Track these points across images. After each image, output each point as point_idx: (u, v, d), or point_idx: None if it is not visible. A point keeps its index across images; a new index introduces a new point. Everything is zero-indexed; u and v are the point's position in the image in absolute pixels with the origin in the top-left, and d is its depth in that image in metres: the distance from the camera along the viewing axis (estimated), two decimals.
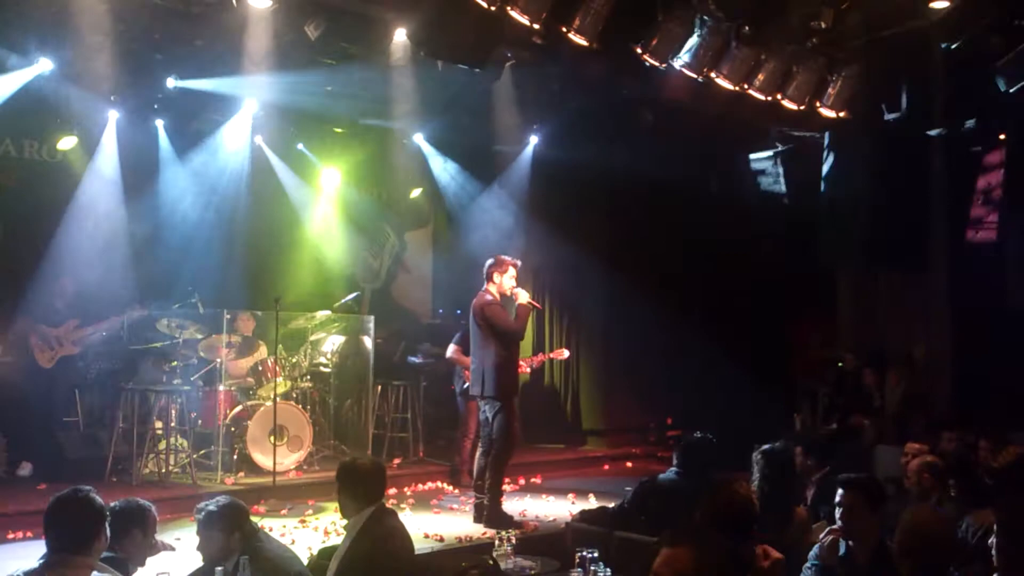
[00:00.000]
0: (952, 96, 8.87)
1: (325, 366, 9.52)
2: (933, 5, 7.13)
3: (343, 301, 9.87)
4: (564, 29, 6.93)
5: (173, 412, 8.47)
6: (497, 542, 4.73)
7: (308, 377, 9.34)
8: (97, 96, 8.88)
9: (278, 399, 8.42)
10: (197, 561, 4.20)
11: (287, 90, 9.02)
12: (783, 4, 7.28)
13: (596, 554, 4.07)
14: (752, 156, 10.30)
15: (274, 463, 8.12)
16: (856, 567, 4.08)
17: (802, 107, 8.04)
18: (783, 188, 10.05)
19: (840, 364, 10.56)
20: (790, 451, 5.69)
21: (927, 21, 7.25)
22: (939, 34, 7.68)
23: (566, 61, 7.47)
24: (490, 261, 7.26)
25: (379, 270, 12.33)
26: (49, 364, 8.23)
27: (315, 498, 7.92)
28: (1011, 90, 7.34)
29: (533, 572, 4.59)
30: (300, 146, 10.98)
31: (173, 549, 4.24)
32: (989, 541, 3.50)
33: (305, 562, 4.52)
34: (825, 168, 9.92)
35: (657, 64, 7.40)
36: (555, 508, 8.02)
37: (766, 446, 5.65)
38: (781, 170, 9.99)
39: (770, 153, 10.14)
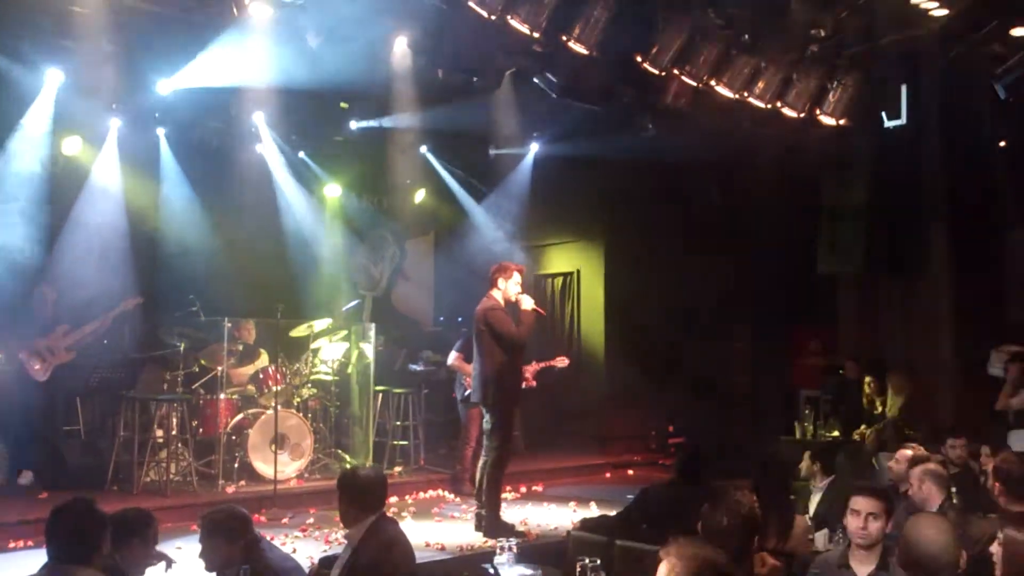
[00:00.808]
0: (951, 103, 8.89)
1: (326, 374, 9.52)
2: (933, 12, 7.14)
3: (344, 309, 9.88)
4: (564, 38, 6.95)
5: (174, 420, 8.46)
6: (498, 551, 4.72)
7: (309, 385, 9.33)
8: (98, 105, 8.89)
9: (279, 407, 8.41)
10: (199, 570, 4.20)
11: (288, 99, 9.04)
12: (782, 12, 7.30)
13: (598, 563, 4.07)
14: None
15: (275, 471, 8.12)
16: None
17: (802, 115, 8.05)
18: None
19: (841, 371, 10.56)
20: (790, 458, 5.69)
21: (926, 29, 7.26)
22: (938, 42, 7.69)
23: (566, 69, 7.49)
24: (495, 267, 7.23)
25: (380, 278, 12.34)
26: (45, 376, 8.17)
27: (316, 506, 7.92)
28: (1010, 99, 7.36)
29: None
30: (301, 154, 11.00)
31: (174, 562, 4.23)
32: (991, 548, 3.49)
33: (307, 571, 4.52)
34: None
35: (657, 72, 7.41)
36: (556, 516, 8.00)
37: (764, 455, 5.66)
38: None
39: None
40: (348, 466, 8.35)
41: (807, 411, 9.88)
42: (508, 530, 6.90)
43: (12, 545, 6.52)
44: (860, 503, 4.16)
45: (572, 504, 8.46)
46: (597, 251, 11.90)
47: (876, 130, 8.91)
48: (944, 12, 7.17)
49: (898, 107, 8.52)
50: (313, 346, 9.47)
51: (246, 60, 7.92)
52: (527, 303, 6.99)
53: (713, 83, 7.60)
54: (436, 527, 7.50)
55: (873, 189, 9.71)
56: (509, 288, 7.07)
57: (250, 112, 9.65)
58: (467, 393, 8.43)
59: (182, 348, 8.64)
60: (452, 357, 8.84)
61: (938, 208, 10.54)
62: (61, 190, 9.28)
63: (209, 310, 8.96)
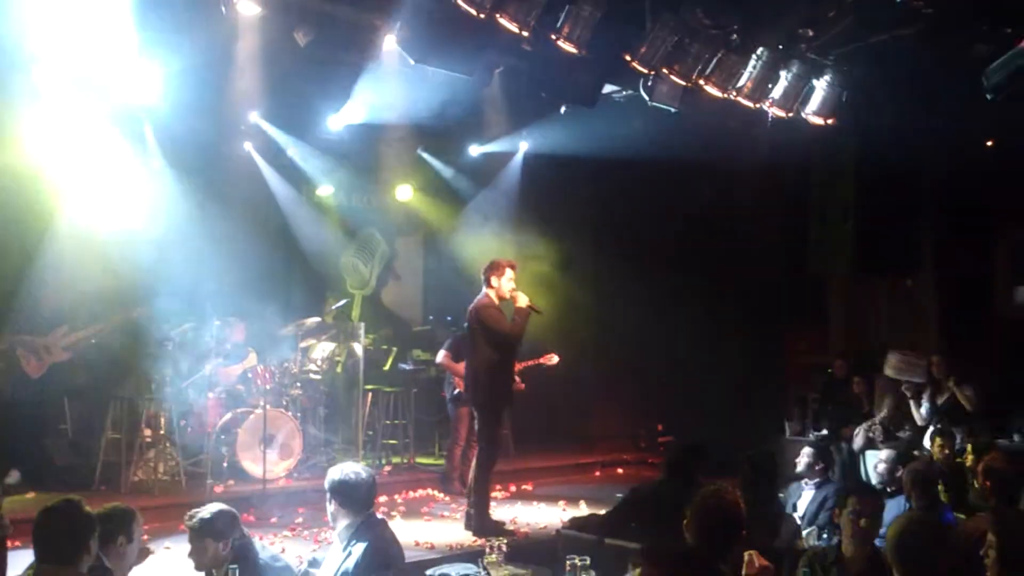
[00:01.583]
0: (938, 103, 8.92)
1: (315, 373, 9.50)
2: (920, 11, 7.15)
3: (333, 308, 9.85)
4: (553, 36, 6.95)
5: (162, 419, 8.43)
6: (488, 549, 4.72)
7: (298, 384, 9.31)
8: (87, 102, 8.85)
9: (268, 406, 8.39)
10: (187, 569, 4.19)
11: (278, 96, 9.02)
12: (770, 12, 7.32)
13: (587, 561, 4.08)
14: None
15: (264, 471, 8.10)
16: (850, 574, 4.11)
17: (790, 114, 8.07)
18: None
19: (830, 370, 10.60)
20: (779, 457, 5.72)
21: (914, 29, 7.28)
22: (926, 41, 7.71)
23: (555, 67, 7.49)
24: (487, 265, 7.21)
25: (369, 277, 12.32)
26: (38, 373, 8.16)
27: (305, 506, 7.90)
28: (997, 98, 7.38)
29: None
30: (290, 152, 10.97)
31: (151, 552, 4.21)
32: (981, 552, 3.51)
33: (296, 571, 4.51)
34: None
35: (646, 72, 7.42)
36: (546, 515, 8.01)
37: (753, 453, 5.68)
38: None
39: None
40: (337, 466, 8.33)
41: (796, 410, 9.92)
42: (497, 529, 6.90)
43: None
44: (850, 502, 4.19)
45: (561, 503, 8.48)
46: (587, 249, 11.90)
47: (863, 129, 8.95)
48: (931, 11, 7.19)
49: (885, 107, 8.55)
50: (302, 345, 9.45)
51: (234, 58, 7.92)
52: (522, 300, 6.96)
53: (702, 82, 7.61)
54: (426, 526, 7.50)
55: (861, 188, 9.74)
56: (503, 285, 7.04)
57: (239, 110, 9.62)
58: (456, 392, 8.43)
59: (171, 347, 8.60)
60: (441, 356, 8.84)
61: (926, 207, 10.59)
62: (49, 188, 9.23)
63: (198, 309, 8.92)
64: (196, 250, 9.86)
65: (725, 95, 7.74)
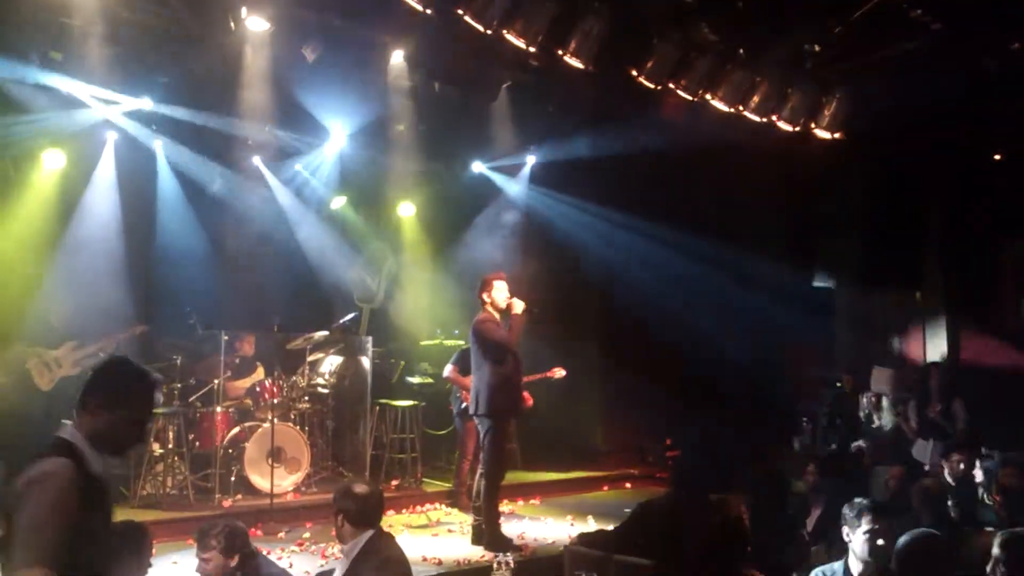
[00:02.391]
0: (945, 117, 8.93)
1: (323, 387, 9.50)
2: (917, 19, 7.15)
3: (341, 322, 9.86)
4: (560, 52, 6.99)
5: (171, 433, 8.44)
6: (495, 565, 4.71)
7: (306, 398, 9.31)
8: (95, 117, 8.92)
9: (276, 420, 8.40)
10: None
11: (286, 111, 9.07)
12: (777, 27, 7.34)
13: None
14: None
15: (272, 485, 8.10)
16: None
17: (797, 128, 8.09)
18: None
19: (839, 384, 10.56)
20: (787, 472, 5.70)
21: (920, 43, 7.30)
22: (932, 55, 7.72)
23: (562, 83, 7.53)
24: (477, 285, 7.23)
25: (377, 290, 12.33)
26: (49, 386, 8.18)
27: (313, 521, 7.89)
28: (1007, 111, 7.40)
29: None
30: (298, 166, 11.02)
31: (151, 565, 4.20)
32: (988, 568, 3.50)
33: None
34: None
35: (652, 86, 7.45)
36: (554, 530, 7.98)
37: (759, 469, 5.66)
38: None
39: None
40: (344, 481, 8.34)
41: (804, 425, 9.88)
42: (506, 544, 6.88)
43: None
44: (864, 520, 4.17)
45: (569, 518, 8.45)
46: (593, 263, 11.90)
47: (871, 143, 8.96)
48: (938, 26, 7.21)
49: (892, 120, 8.56)
50: (310, 359, 9.45)
51: (243, 73, 7.98)
52: (518, 307, 6.97)
53: (708, 97, 7.64)
54: (433, 541, 7.48)
55: (868, 202, 9.75)
56: (497, 298, 7.05)
57: (248, 125, 9.67)
58: (464, 406, 8.42)
59: (179, 361, 8.63)
60: (448, 370, 8.83)
61: (933, 220, 10.59)
62: (59, 201, 9.30)
63: (206, 323, 8.95)
64: (205, 264, 9.93)
65: (732, 109, 7.76)
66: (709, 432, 10.29)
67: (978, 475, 7.01)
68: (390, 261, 12.48)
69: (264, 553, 4.52)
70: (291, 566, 6.11)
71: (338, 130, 10.22)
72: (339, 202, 11.35)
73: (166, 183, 10.03)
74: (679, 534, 5.10)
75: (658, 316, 11.08)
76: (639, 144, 9.33)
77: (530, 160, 11.50)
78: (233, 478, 8.45)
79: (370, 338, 9.90)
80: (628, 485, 10.72)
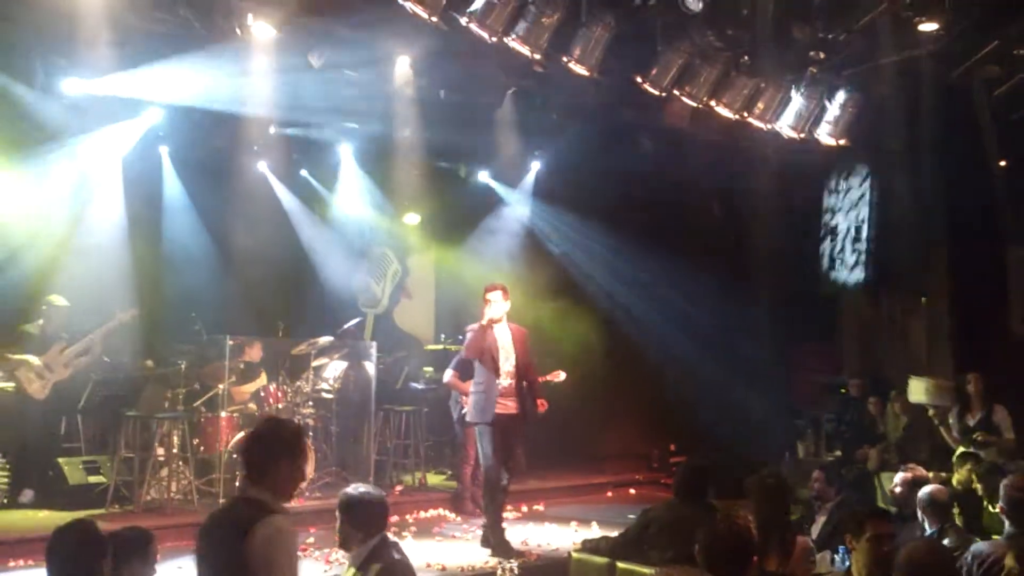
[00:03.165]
0: (951, 122, 8.93)
1: (327, 392, 9.50)
2: (922, 27, 7.14)
3: (346, 327, 9.87)
4: (564, 59, 7.00)
5: (175, 438, 8.45)
6: (499, 572, 4.71)
7: (310, 403, 9.32)
8: (102, 121, 8.95)
9: None
10: None
11: (291, 118, 9.09)
12: (782, 34, 7.35)
13: None
14: None
15: None
16: None
17: (802, 135, 8.10)
18: None
19: (844, 390, 10.54)
20: (792, 479, 5.68)
21: (925, 50, 7.31)
22: (937, 62, 7.74)
23: (567, 90, 7.54)
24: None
25: (381, 296, 12.35)
26: (43, 394, 8.11)
27: (317, 526, 7.88)
28: (1012, 117, 7.40)
29: None
30: (303, 172, 11.06)
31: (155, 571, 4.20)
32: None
33: None
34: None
35: (656, 93, 7.46)
36: (558, 536, 7.98)
37: (764, 473, 5.64)
38: None
39: None
40: (348, 487, 8.33)
41: (809, 430, 9.86)
42: (508, 550, 6.87)
43: (12, 564, 6.50)
44: (869, 527, 4.16)
45: (573, 524, 8.44)
46: (599, 268, 11.92)
47: (876, 148, 8.96)
48: (933, 26, 7.20)
49: (897, 127, 8.57)
50: (314, 364, 9.46)
51: (249, 79, 8.00)
52: (485, 317, 7.06)
53: (713, 104, 7.65)
54: (437, 547, 7.48)
55: (874, 207, 9.74)
56: (485, 311, 7.13)
57: (251, 130, 9.70)
58: (463, 411, 8.43)
59: (183, 366, 8.64)
60: (448, 375, 8.84)
61: (939, 226, 10.57)
62: (63, 206, 9.32)
63: (210, 328, 8.97)
64: (210, 270, 9.95)
65: (737, 116, 7.77)
66: (714, 437, 10.29)
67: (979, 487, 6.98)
68: (395, 266, 12.51)
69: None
70: None
71: (344, 137, 10.25)
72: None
73: (172, 188, 10.07)
74: (684, 541, 5.09)
75: (663, 321, 11.09)
76: (643, 149, 9.34)
77: (534, 166, 11.51)
78: (237, 483, 8.45)
79: (374, 343, 9.91)
80: (632, 491, 10.72)
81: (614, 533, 5.76)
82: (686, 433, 11.18)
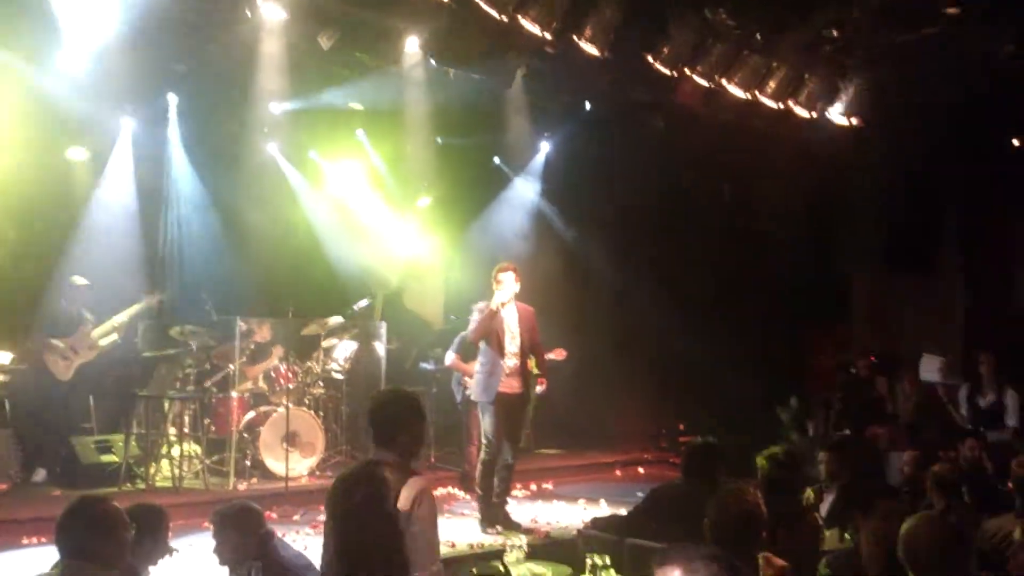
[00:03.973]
0: (965, 101, 8.87)
1: (338, 372, 9.54)
2: (946, 10, 7.11)
3: (355, 307, 9.89)
4: (575, 38, 6.97)
5: (186, 418, 8.51)
6: (508, 548, 4.73)
7: (321, 383, 9.36)
8: (112, 106, 8.96)
9: (291, 405, 8.45)
10: (210, 566, 4.23)
11: (300, 98, 9.09)
12: (795, 12, 7.30)
13: (608, 561, 4.08)
14: None
15: (287, 469, 8.16)
16: None
17: (813, 114, 8.04)
18: None
19: (853, 370, 10.52)
20: (800, 457, 5.68)
21: (939, 28, 7.24)
22: (951, 40, 7.67)
23: (578, 69, 7.50)
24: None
25: (391, 277, 12.36)
26: (68, 375, 8.19)
27: None
28: None
29: None
30: (312, 153, 11.05)
31: (176, 551, 4.24)
32: (1009, 552, 3.49)
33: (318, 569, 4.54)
34: None
35: (668, 72, 7.42)
36: (566, 514, 8.01)
37: (772, 450, 5.64)
38: None
39: None
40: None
41: (819, 409, 9.85)
42: (511, 524, 6.89)
43: (25, 542, 6.57)
44: (880, 506, 4.17)
45: (582, 502, 8.47)
46: (608, 249, 11.89)
47: (889, 128, 8.90)
48: (957, 11, 7.15)
49: (911, 106, 8.51)
50: (325, 344, 9.49)
51: (258, 61, 7.99)
52: (495, 302, 7.02)
53: (724, 82, 7.61)
54: (447, 524, 7.50)
55: (886, 187, 9.69)
56: (496, 293, 7.11)
57: (261, 113, 9.70)
58: (467, 392, 8.45)
59: (194, 347, 8.68)
60: (450, 357, 8.86)
61: (952, 206, 10.52)
62: (75, 189, 9.37)
63: (220, 309, 9.01)
64: (220, 251, 9.98)
65: (748, 95, 7.73)
66: (723, 416, 10.29)
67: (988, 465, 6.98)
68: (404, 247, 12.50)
69: (279, 536, 4.56)
70: (306, 548, 6.13)
71: (352, 117, 10.23)
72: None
73: (181, 170, 10.08)
74: (692, 518, 5.11)
75: (674, 300, 11.07)
76: (653, 129, 9.30)
77: (544, 147, 11.47)
78: (248, 462, 8.52)
79: (384, 324, 9.93)
80: (641, 470, 10.73)
81: (623, 511, 5.79)
82: (695, 413, 11.18)
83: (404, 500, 3.43)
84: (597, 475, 10.37)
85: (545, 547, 6.54)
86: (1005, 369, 9.03)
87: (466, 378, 8.42)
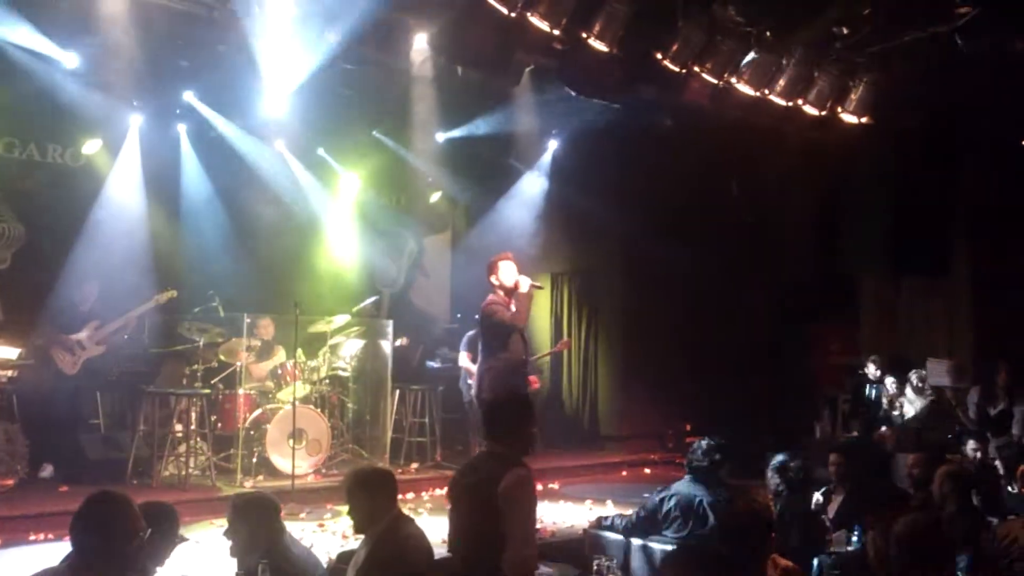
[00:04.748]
0: (975, 101, 8.81)
1: (344, 370, 9.55)
2: (958, 10, 7.06)
3: (362, 305, 9.89)
4: (584, 35, 6.93)
5: (193, 415, 8.51)
6: None
7: (327, 381, 9.36)
8: (120, 101, 8.97)
9: (297, 403, 8.45)
10: (215, 562, 4.21)
11: (308, 96, 9.07)
12: (804, 9, 7.25)
13: (614, 561, 4.06)
14: None
15: (293, 466, 8.15)
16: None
17: (823, 112, 7.99)
18: None
19: (861, 371, 10.48)
20: (809, 459, 5.67)
21: (949, 25, 7.19)
22: (963, 39, 7.61)
23: (586, 67, 7.46)
24: (486, 269, 7.08)
25: (398, 274, 12.37)
26: (74, 370, 8.23)
27: (334, 502, 7.93)
28: None
29: None
30: (320, 151, 11.05)
31: (186, 539, 4.22)
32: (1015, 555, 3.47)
33: (324, 566, 4.53)
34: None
35: (677, 69, 7.38)
36: (573, 514, 7.99)
37: (780, 456, 5.61)
38: None
39: None
40: (354, 467, 8.39)
41: (827, 411, 9.81)
42: None
43: (32, 537, 6.58)
44: (888, 508, 4.15)
45: (588, 502, 8.45)
46: (615, 248, 11.87)
47: (898, 128, 8.85)
48: (967, 8, 7.09)
49: (920, 105, 8.45)
50: (331, 342, 9.50)
51: (266, 57, 7.98)
52: (524, 285, 6.79)
53: (733, 80, 7.56)
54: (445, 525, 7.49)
55: (895, 187, 9.64)
56: (504, 279, 6.87)
57: (270, 109, 9.69)
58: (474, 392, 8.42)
59: (201, 343, 8.69)
60: (462, 358, 8.82)
61: (961, 207, 10.46)
62: (84, 185, 9.39)
63: (228, 306, 9.01)
64: (227, 248, 9.99)
65: (758, 93, 7.68)
66: (731, 418, 10.26)
67: (999, 465, 6.96)
68: (411, 245, 12.51)
69: (290, 533, 4.54)
70: (312, 547, 6.14)
71: (360, 115, 10.22)
72: (352, 187, 11.39)
73: (190, 166, 10.09)
74: (698, 519, 5.09)
75: (680, 301, 11.04)
76: (662, 126, 9.26)
77: (552, 145, 11.45)
78: (255, 459, 8.53)
79: (391, 322, 9.93)
80: (647, 470, 10.72)
81: (629, 511, 5.76)
82: (702, 413, 11.15)
83: (506, 486, 3.85)
84: (603, 475, 10.35)
85: (552, 546, 6.52)
86: (1016, 374, 9.00)
87: (472, 377, 8.38)
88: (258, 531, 4.06)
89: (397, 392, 9.76)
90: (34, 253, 9.17)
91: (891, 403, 9.47)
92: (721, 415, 10.41)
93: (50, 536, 6.48)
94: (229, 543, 4.13)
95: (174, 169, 10.01)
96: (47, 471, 8.15)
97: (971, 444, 7.10)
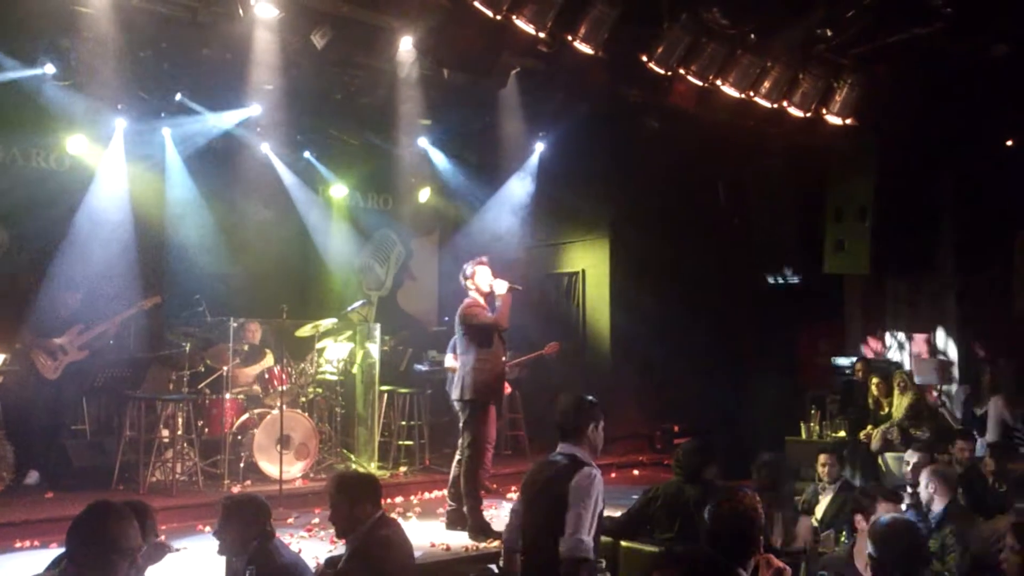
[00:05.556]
0: (957, 101, 8.87)
1: (332, 374, 9.52)
2: (940, 11, 7.10)
3: (349, 309, 9.87)
4: (569, 37, 6.94)
5: (180, 420, 8.47)
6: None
7: (315, 385, 9.34)
8: (104, 104, 8.93)
9: (285, 407, 8.42)
10: (204, 568, 4.19)
11: (294, 99, 9.06)
12: (789, 12, 7.28)
13: (603, 564, 4.07)
14: None
15: (280, 471, 8.13)
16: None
17: (808, 114, 8.02)
18: None
19: (848, 371, 10.52)
20: (795, 459, 5.70)
21: (933, 28, 7.23)
22: (945, 40, 7.66)
23: (572, 69, 7.47)
24: (461, 274, 7.10)
25: (385, 278, 12.35)
26: (55, 375, 8.16)
27: (321, 506, 7.89)
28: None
29: None
30: (307, 154, 11.03)
31: (177, 550, 4.20)
32: (1001, 555, 3.49)
33: (312, 571, 4.52)
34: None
35: (662, 72, 7.39)
36: None
37: (766, 456, 5.64)
38: None
39: None
40: (338, 470, 8.39)
41: (813, 411, 9.85)
42: (487, 530, 6.79)
43: (18, 544, 6.52)
44: (881, 508, 4.18)
45: None
46: (602, 250, 11.89)
47: (882, 129, 8.89)
48: (950, 10, 7.14)
49: (904, 106, 8.50)
50: (318, 346, 9.48)
51: (251, 60, 7.95)
52: (500, 288, 6.83)
53: (719, 83, 7.59)
54: (441, 527, 7.48)
55: (880, 188, 9.69)
56: (480, 283, 6.93)
57: (255, 113, 9.66)
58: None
59: (188, 348, 8.65)
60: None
61: (945, 207, 10.52)
62: (68, 189, 9.33)
63: (215, 310, 8.97)
64: (214, 251, 9.95)
65: (742, 95, 7.71)
66: (718, 418, 10.29)
67: (989, 464, 7.01)
68: (398, 248, 12.50)
69: (279, 538, 4.52)
70: (300, 551, 6.12)
71: (346, 117, 10.20)
72: (339, 191, 11.37)
73: (174, 169, 10.05)
74: (685, 520, 5.10)
75: (667, 302, 11.06)
76: (648, 128, 9.28)
77: (538, 147, 11.46)
78: (242, 464, 8.49)
79: (379, 325, 9.91)
80: (636, 472, 10.72)
81: (617, 513, 5.77)
82: (690, 415, 11.17)
83: (576, 482, 4.16)
84: None
85: None
86: (1002, 374, 9.08)
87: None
88: (247, 531, 4.06)
89: (385, 395, 9.75)
90: (18, 258, 9.11)
91: (877, 403, 9.51)
92: (708, 416, 10.44)
93: (36, 543, 6.43)
94: (218, 545, 4.13)
95: (159, 172, 9.97)
96: (33, 478, 8.08)
97: (959, 444, 7.14)
